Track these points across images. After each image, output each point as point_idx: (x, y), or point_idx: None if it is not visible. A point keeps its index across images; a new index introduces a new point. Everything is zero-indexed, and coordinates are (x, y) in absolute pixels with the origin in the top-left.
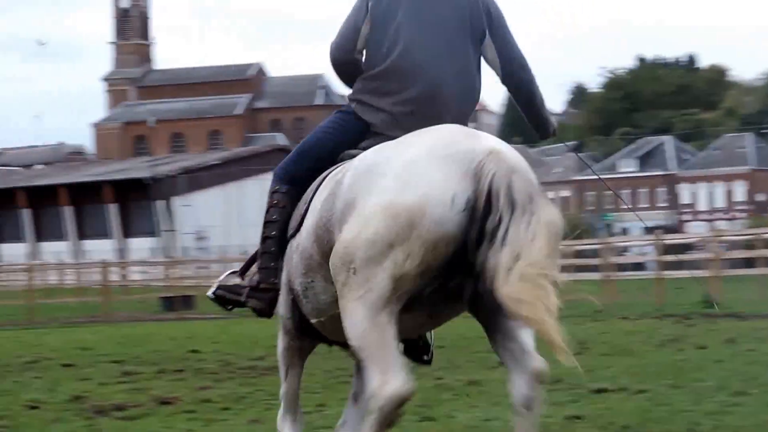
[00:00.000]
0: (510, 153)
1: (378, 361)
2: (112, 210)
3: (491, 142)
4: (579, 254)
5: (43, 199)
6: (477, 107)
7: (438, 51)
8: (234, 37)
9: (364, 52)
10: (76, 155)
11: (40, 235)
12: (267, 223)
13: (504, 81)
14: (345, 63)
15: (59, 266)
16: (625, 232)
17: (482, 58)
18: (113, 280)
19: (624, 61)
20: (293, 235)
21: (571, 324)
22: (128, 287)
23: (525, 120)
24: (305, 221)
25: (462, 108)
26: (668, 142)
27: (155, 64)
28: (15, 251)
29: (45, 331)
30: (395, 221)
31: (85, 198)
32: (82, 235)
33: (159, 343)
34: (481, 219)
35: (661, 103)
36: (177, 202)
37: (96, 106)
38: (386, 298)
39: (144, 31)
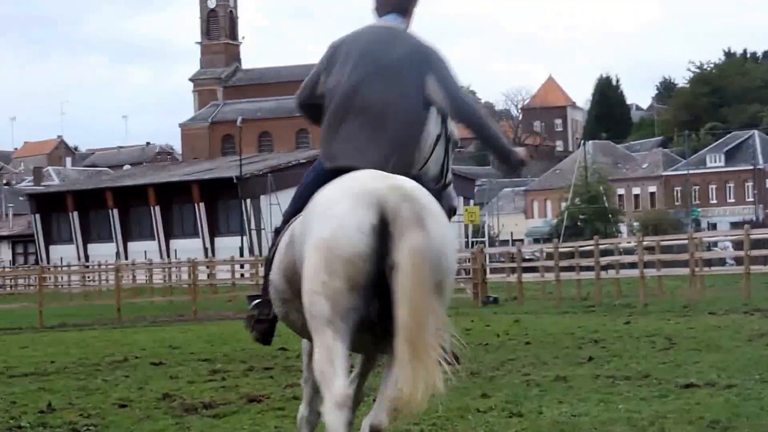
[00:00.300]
0: (408, 186)
1: (326, 381)
2: (200, 209)
3: (396, 180)
4: (666, 250)
5: (131, 199)
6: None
7: (368, 83)
8: (320, 35)
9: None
10: (163, 155)
11: (129, 235)
12: (267, 261)
13: (452, 115)
14: (304, 105)
15: (147, 266)
16: (713, 227)
17: (429, 95)
18: (201, 279)
19: (711, 55)
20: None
21: (659, 320)
22: (216, 286)
23: (492, 154)
24: (274, 261)
25: (401, 149)
26: (756, 136)
27: (242, 64)
28: (104, 251)
29: (134, 330)
30: (319, 252)
31: (173, 198)
32: (170, 234)
33: (247, 342)
34: (388, 239)
35: (749, 97)
36: (264, 200)
37: (183, 106)
38: (328, 319)
39: (231, 31)
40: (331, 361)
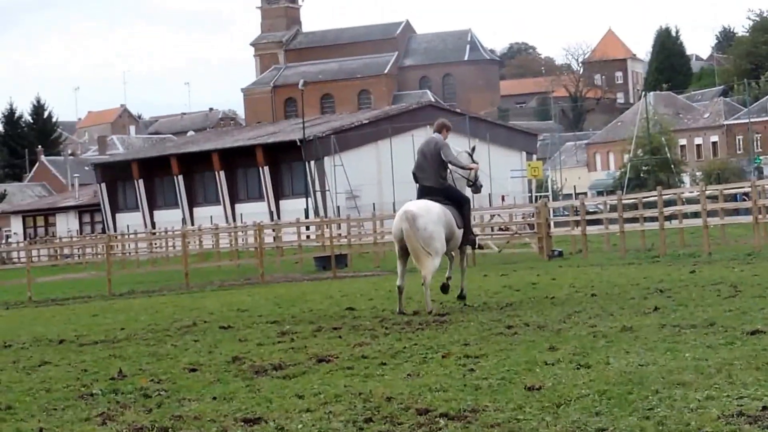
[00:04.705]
0: (412, 208)
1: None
2: (265, 173)
3: (410, 206)
4: (729, 198)
5: (196, 165)
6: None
7: (423, 158)
8: None
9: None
10: (227, 120)
11: (194, 201)
12: None
13: (448, 162)
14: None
15: (214, 231)
16: None
17: (443, 158)
18: (267, 242)
19: None
20: None
21: (723, 268)
22: (282, 248)
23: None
24: None
25: (433, 170)
26: None
27: (303, 27)
28: (170, 217)
29: (202, 295)
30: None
31: (238, 162)
32: (235, 198)
33: (315, 303)
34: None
35: None
36: (328, 162)
37: (245, 71)
38: (397, 256)
39: None
40: (398, 267)
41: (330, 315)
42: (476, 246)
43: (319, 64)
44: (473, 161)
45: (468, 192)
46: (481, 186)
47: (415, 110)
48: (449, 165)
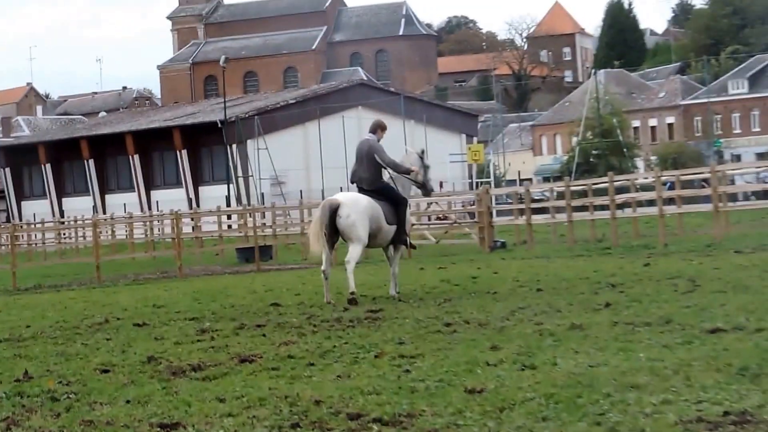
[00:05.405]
0: (339, 198)
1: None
2: (183, 157)
3: (338, 197)
4: (687, 185)
5: (108, 148)
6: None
7: (359, 160)
8: None
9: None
10: (141, 100)
11: (106, 187)
12: None
13: (384, 165)
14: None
15: (127, 220)
16: (737, 159)
17: (377, 160)
18: (186, 232)
19: None
20: None
21: (680, 261)
22: (202, 239)
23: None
24: None
25: (368, 172)
26: None
27: None
28: (80, 205)
29: (114, 290)
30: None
31: (153, 145)
32: (151, 185)
33: (237, 298)
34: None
35: None
36: (251, 145)
37: (162, 47)
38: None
39: None
40: (322, 254)
41: (253, 311)
42: (409, 246)
43: (241, 40)
44: (424, 164)
45: (415, 192)
46: (432, 189)
47: (345, 89)
48: (389, 169)
